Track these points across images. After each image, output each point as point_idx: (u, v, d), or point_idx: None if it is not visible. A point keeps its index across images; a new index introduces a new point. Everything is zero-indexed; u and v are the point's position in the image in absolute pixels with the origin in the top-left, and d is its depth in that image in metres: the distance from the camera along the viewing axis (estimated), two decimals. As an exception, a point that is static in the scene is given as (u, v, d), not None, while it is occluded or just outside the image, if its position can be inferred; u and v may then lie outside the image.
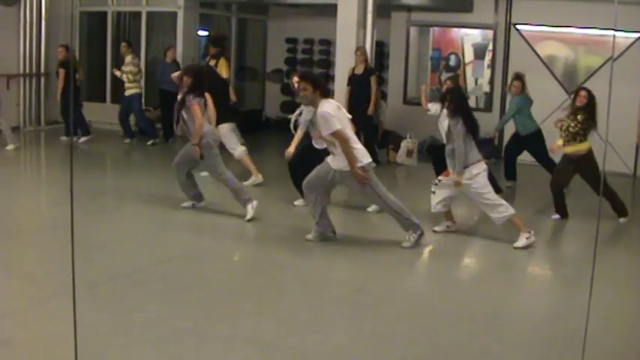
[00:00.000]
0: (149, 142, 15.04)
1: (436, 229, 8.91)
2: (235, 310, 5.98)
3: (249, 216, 8.99)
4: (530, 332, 5.84)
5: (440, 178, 8.83)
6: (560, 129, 9.44)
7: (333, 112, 7.58)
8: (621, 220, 9.69)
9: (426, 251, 8.34)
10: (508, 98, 12.52)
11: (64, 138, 15.23)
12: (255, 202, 9.05)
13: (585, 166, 9.48)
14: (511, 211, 8.38)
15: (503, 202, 8.49)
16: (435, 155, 10.91)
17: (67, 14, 16.83)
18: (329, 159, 7.96)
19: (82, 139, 14.87)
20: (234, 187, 9.15)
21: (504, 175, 11.99)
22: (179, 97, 9.10)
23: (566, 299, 6.77)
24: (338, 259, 7.82)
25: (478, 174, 8.38)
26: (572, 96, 9.79)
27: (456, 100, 8.56)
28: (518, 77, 11.61)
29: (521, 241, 8.33)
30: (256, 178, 11.19)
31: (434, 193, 8.77)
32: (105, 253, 7.40)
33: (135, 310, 5.79)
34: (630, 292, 7.01)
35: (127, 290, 6.31)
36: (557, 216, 9.79)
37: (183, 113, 8.98)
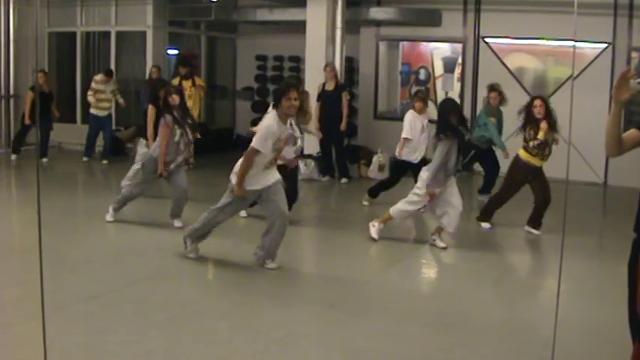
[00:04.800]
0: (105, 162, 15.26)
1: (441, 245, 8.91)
2: (208, 329, 5.94)
3: (109, 217, 9.52)
4: (503, 343, 5.84)
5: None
6: (531, 144, 9.37)
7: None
8: (484, 225, 9.95)
9: (397, 266, 8.36)
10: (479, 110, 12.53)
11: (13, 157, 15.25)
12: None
13: (542, 175, 9.57)
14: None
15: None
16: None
17: (36, 35, 16.78)
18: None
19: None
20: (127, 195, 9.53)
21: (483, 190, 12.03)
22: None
23: (537, 309, 6.80)
24: (308, 277, 7.79)
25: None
26: (527, 105, 9.53)
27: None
28: (494, 88, 11.66)
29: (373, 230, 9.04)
30: None
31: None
32: (75, 274, 7.32)
33: (107, 332, 5.73)
34: (599, 301, 7.02)
35: (98, 312, 6.24)
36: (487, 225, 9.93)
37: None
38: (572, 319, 5.93)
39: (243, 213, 9.64)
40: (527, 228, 9.70)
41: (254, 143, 7.23)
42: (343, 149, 14.02)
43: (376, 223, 9.06)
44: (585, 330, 6.12)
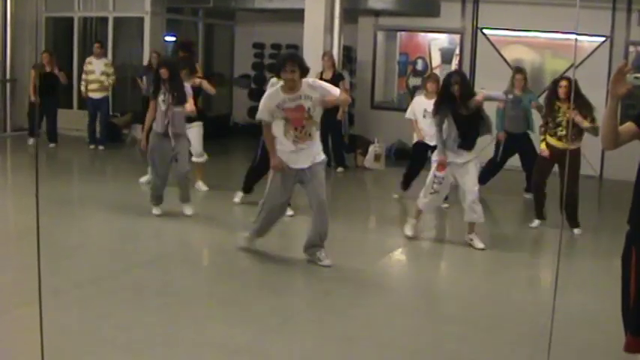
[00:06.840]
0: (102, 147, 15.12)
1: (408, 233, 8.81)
2: (204, 315, 5.96)
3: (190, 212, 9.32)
4: (500, 334, 5.87)
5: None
6: (556, 125, 9.20)
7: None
8: (575, 231, 9.32)
9: (393, 255, 8.38)
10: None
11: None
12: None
13: (575, 161, 9.27)
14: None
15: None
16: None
17: (33, 20, 16.73)
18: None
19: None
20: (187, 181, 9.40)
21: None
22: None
23: (533, 300, 6.83)
24: (305, 264, 7.80)
25: None
26: (550, 88, 9.46)
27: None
28: (520, 70, 11.42)
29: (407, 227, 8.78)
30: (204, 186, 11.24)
31: (437, 192, 8.54)
32: (72, 260, 7.33)
33: (104, 317, 5.75)
34: (594, 293, 7.05)
35: (94, 297, 6.26)
36: (537, 222, 9.58)
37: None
38: (567, 310, 5.95)
39: (236, 199, 9.80)
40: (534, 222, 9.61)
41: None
42: (341, 138, 14.00)
43: (413, 220, 8.79)
44: (580, 321, 6.14)
